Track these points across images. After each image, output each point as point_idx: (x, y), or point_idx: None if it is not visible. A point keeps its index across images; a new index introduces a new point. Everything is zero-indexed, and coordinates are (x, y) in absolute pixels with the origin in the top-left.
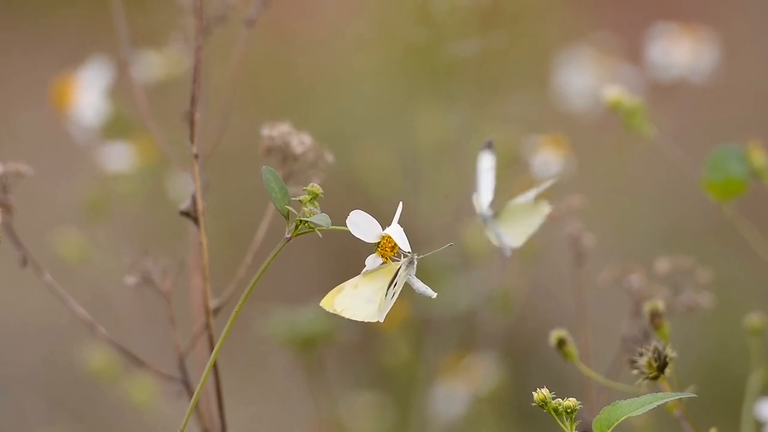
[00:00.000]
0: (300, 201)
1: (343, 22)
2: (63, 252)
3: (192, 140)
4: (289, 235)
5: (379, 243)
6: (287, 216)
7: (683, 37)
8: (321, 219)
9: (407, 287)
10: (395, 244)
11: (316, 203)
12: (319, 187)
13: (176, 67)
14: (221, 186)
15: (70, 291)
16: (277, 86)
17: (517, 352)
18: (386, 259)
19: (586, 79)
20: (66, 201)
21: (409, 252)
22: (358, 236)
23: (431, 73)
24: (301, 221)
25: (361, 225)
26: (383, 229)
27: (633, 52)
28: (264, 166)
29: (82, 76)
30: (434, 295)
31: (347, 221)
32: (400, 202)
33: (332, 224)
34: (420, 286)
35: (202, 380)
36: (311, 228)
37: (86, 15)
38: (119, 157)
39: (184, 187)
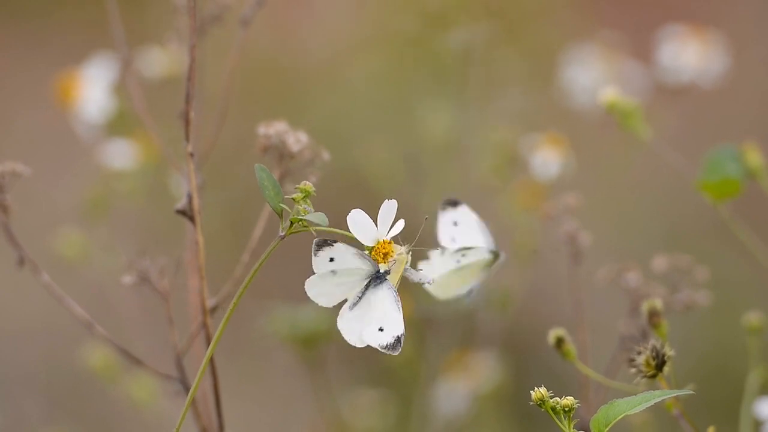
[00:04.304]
0: (293, 199)
1: (342, 20)
2: (63, 251)
3: (187, 139)
4: (283, 234)
5: (373, 247)
6: (281, 214)
7: (691, 39)
8: (317, 217)
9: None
10: (389, 252)
11: (309, 201)
12: (311, 185)
13: (176, 65)
14: (218, 184)
15: (69, 291)
16: (275, 86)
17: (517, 351)
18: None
19: (592, 75)
20: (66, 200)
21: (402, 251)
22: (355, 235)
23: (433, 72)
24: (298, 220)
25: (361, 224)
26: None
27: (633, 52)
28: (257, 164)
29: (87, 73)
30: (432, 281)
31: (348, 218)
32: (401, 220)
33: (329, 223)
34: (416, 276)
35: (197, 379)
36: (306, 227)
37: (86, 15)
38: (121, 155)
39: (184, 185)
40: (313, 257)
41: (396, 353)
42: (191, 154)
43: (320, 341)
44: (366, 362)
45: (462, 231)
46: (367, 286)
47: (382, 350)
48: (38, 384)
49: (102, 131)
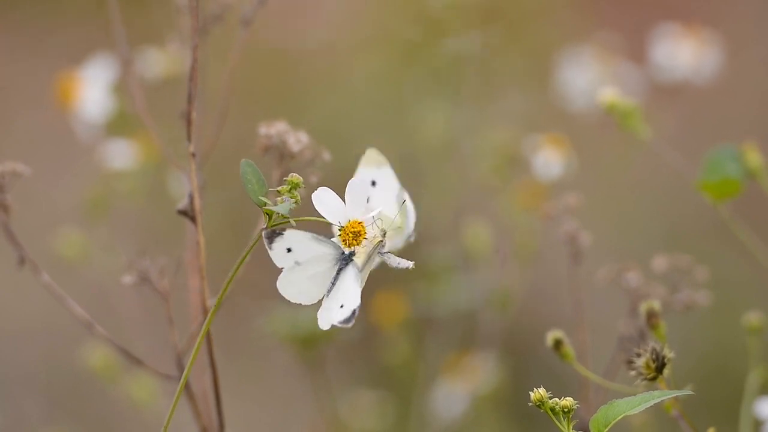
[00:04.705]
0: (278, 191)
1: (342, 21)
2: (63, 251)
3: (189, 139)
4: (264, 226)
5: (342, 228)
6: (262, 207)
7: (686, 38)
8: (282, 207)
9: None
10: (360, 232)
11: (296, 193)
12: (298, 176)
13: (178, 65)
14: (219, 184)
15: (69, 291)
16: (275, 86)
17: (517, 351)
18: (347, 246)
19: (588, 77)
20: (66, 200)
21: (377, 234)
22: (323, 214)
23: (432, 73)
24: (269, 211)
25: (327, 203)
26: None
27: (632, 52)
28: (243, 159)
29: (87, 73)
30: (411, 265)
31: (313, 196)
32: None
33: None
34: (394, 260)
35: (186, 370)
36: (286, 218)
37: (87, 15)
38: (121, 155)
39: (184, 185)
40: (269, 252)
41: (349, 326)
42: (193, 154)
43: (320, 341)
44: (365, 363)
45: (378, 196)
46: (338, 274)
47: (339, 325)
48: (38, 384)
49: (102, 131)
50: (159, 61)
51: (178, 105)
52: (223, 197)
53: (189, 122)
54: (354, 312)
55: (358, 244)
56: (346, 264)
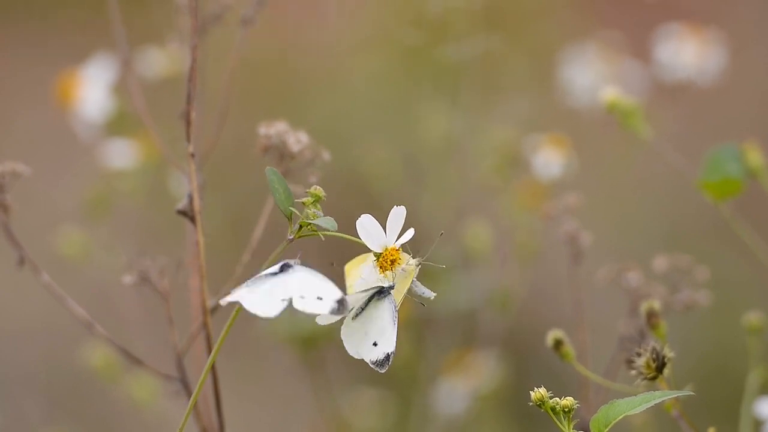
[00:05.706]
0: (303, 203)
1: (343, 21)
2: (65, 250)
3: (188, 139)
4: (291, 237)
5: (380, 254)
6: (290, 217)
7: (690, 37)
8: (326, 222)
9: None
10: (396, 259)
11: (319, 206)
12: (321, 189)
13: (176, 65)
14: (219, 185)
15: (69, 290)
16: (275, 86)
17: (517, 351)
18: (383, 271)
19: (591, 75)
20: (66, 200)
21: (412, 263)
22: (364, 241)
23: (432, 73)
24: (307, 224)
25: (370, 230)
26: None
27: (632, 52)
28: (268, 168)
29: (87, 72)
30: (433, 296)
31: (357, 223)
32: (411, 229)
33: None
34: (420, 289)
35: (200, 381)
36: (314, 231)
37: (86, 15)
38: (121, 154)
39: (184, 185)
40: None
41: (383, 371)
42: (192, 155)
43: (320, 341)
44: (366, 362)
45: None
46: (370, 298)
47: (371, 365)
48: (38, 384)
49: (102, 131)
50: (159, 61)
51: (178, 105)
52: (222, 197)
53: (188, 122)
54: (389, 357)
55: (392, 270)
56: (383, 296)
